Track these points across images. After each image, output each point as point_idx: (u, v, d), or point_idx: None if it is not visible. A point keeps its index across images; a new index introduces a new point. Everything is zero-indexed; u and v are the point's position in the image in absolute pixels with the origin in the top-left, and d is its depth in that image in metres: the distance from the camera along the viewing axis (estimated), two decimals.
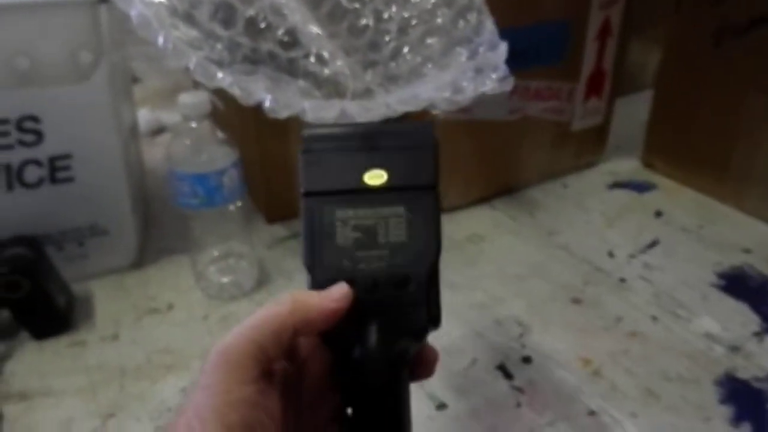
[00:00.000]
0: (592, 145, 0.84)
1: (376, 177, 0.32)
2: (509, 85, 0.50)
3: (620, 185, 0.81)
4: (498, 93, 0.49)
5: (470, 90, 0.47)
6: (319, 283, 0.31)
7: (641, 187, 0.80)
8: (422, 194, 0.32)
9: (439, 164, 0.33)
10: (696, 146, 0.77)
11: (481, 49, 0.51)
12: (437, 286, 0.32)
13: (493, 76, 0.48)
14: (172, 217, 0.70)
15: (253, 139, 0.68)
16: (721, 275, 0.63)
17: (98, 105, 0.56)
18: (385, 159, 0.33)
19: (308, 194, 0.32)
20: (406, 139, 0.33)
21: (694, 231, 0.70)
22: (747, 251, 0.66)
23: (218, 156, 0.55)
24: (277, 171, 0.71)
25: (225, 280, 0.61)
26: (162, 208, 0.73)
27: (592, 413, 0.47)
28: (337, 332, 0.30)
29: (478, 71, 0.49)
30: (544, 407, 0.48)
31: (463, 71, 0.49)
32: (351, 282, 0.30)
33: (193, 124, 0.53)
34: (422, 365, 0.32)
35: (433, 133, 0.33)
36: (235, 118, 0.70)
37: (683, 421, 0.46)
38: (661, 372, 0.51)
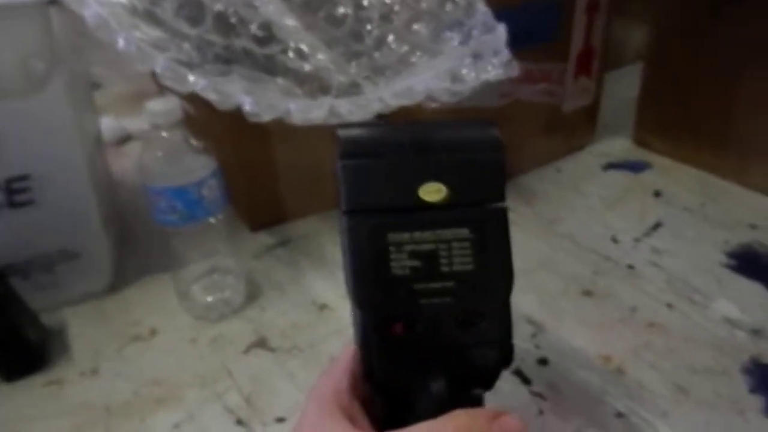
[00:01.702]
0: (583, 126, 0.81)
1: (433, 192, 0.27)
2: (514, 70, 0.46)
3: (614, 166, 0.78)
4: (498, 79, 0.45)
5: (471, 78, 0.43)
6: (371, 322, 0.26)
7: (636, 167, 0.77)
8: (489, 212, 0.28)
9: (506, 173, 0.29)
10: (693, 121, 0.75)
11: (475, 33, 0.47)
12: (510, 320, 0.28)
13: (495, 61, 0.44)
14: (149, 231, 0.65)
15: (230, 145, 0.63)
16: (731, 254, 0.60)
17: (56, 118, 0.50)
18: (443, 168, 0.28)
19: (352, 212, 0.27)
20: (466, 143, 0.28)
21: (696, 210, 0.68)
22: (754, 227, 0.64)
23: (195, 166, 0.50)
24: (259, 176, 0.66)
25: (211, 298, 0.57)
26: (138, 222, 0.68)
27: (620, 415, 0.44)
28: (394, 380, 0.26)
29: (477, 57, 0.45)
30: (568, 413, 0.45)
31: (460, 58, 0.45)
32: (412, 321, 0.26)
33: (165, 134, 0.48)
34: None
35: (497, 135, 0.29)
36: (210, 123, 0.65)
37: (718, 416, 0.44)
38: (686, 365, 0.48)
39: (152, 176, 0.49)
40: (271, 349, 0.52)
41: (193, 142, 0.51)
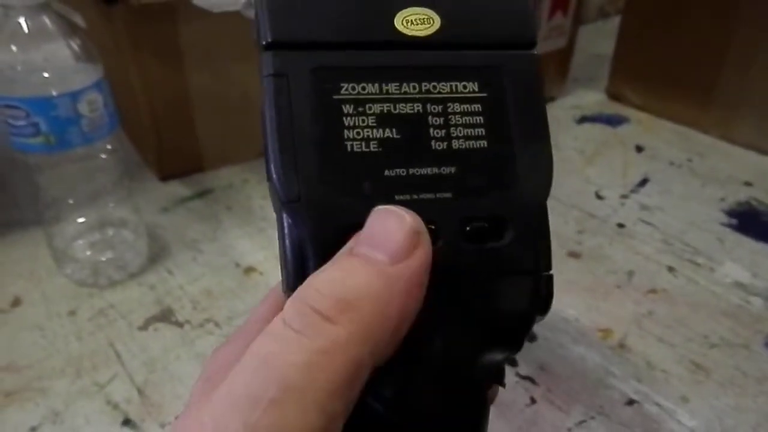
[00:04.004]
0: (554, 74, 0.72)
1: (419, 21, 0.17)
2: None
3: (589, 119, 0.69)
4: None
5: None
6: (310, 235, 0.15)
7: (613, 121, 0.69)
8: (512, 58, 0.17)
9: (533, 8, 0.18)
10: (674, 72, 0.67)
11: None
12: (548, 236, 0.17)
13: None
14: (21, 173, 0.50)
15: (131, 64, 0.49)
16: (730, 213, 0.52)
17: None
18: None
19: (277, 46, 0.16)
20: None
21: (684, 165, 0.60)
22: (748, 184, 0.57)
23: (69, 71, 0.36)
24: (171, 109, 0.52)
25: (102, 258, 0.43)
26: (6, 163, 0.53)
27: (631, 402, 0.35)
28: None
29: None
30: (566, 400, 0.35)
31: None
32: None
33: (21, 20, 0.34)
34: None
35: None
36: (104, 37, 0.50)
37: (747, 400, 0.35)
38: (700, 337, 0.39)
39: (4, 82, 0.35)
40: (178, 324, 0.40)
41: (72, 42, 0.37)
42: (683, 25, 0.64)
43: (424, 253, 0.14)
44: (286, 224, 0.15)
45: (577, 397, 0.35)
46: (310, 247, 0.15)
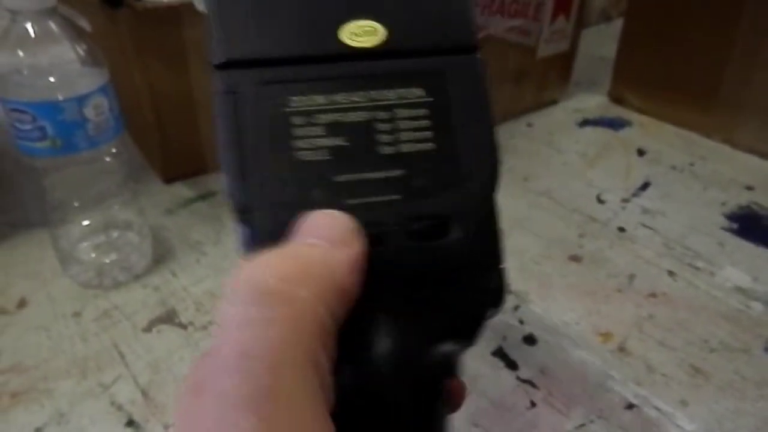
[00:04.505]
0: (556, 78, 0.72)
1: (364, 33, 0.17)
2: None
3: (591, 122, 0.70)
4: None
5: None
6: (264, 240, 0.15)
7: (615, 124, 0.69)
8: (456, 63, 0.18)
9: (475, 11, 0.18)
10: (676, 75, 0.67)
11: None
12: (497, 230, 0.17)
13: None
14: (27, 176, 0.50)
15: (136, 67, 0.49)
16: (731, 217, 0.52)
17: None
18: (378, 0, 0.17)
19: (228, 65, 0.17)
20: None
21: (686, 169, 0.60)
22: (750, 189, 0.57)
23: (75, 75, 0.36)
24: (175, 112, 0.53)
25: (106, 260, 0.44)
26: (11, 164, 0.53)
27: (630, 406, 0.35)
28: None
29: None
30: (567, 405, 0.35)
31: None
32: None
33: (28, 25, 0.35)
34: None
35: None
36: (110, 40, 0.51)
37: (746, 404, 0.35)
38: (700, 341, 0.39)
39: (11, 86, 0.35)
40: (182, 326, 0.40)
41: (78, 47, 0.37)
42: (686, 29, 0.64)
43: (359, 244, 0.15)
44: (241, 234, 0.16)
45: (577, 400, 0.35)
46: (265, 248, 0.15)
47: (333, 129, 0.16)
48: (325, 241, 0.15)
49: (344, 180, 0.16)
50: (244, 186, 0.16)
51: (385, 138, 0.17)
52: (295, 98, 0.16)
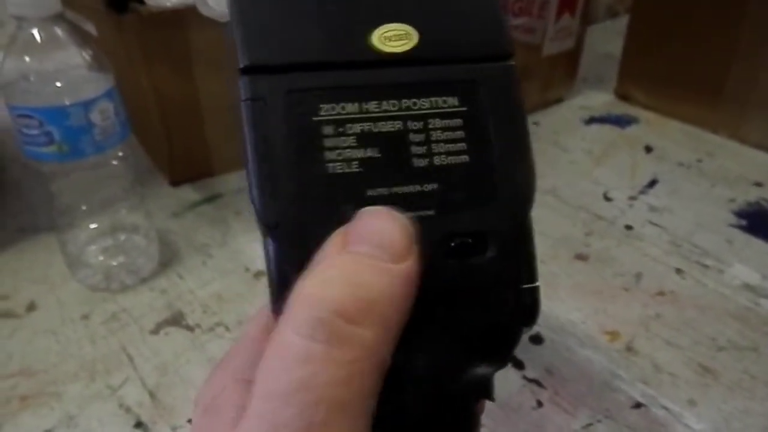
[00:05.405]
0: (562, 75, 0.72)
1: (396, 37, 0.17)
2: None
3: (598, 120, 0.69)
4: None
5: None
6: (293, 258, 0.15)
7: (621, 121, 0.69)
8: (492, 71, 0.17)
9: (508, 19, 0.18)
10: (683, 72, 0.66)
11: None
12: (533, 248, 0.17)
13: None
14: (30, 174, 0.51)
15: (142, 71, 0.50)
16: (739, 214, 0.52)
17: None
18: (411, 4, 0.17)
19: (254, 70, 0.16)
20: None
21: (693, 166, 0.60)
22: (758, 185, 0.56)
23: (81, 80, 0.37)
24: (181, 115, 0.53)
25: (114, 263, 0.44)
26: (15, 163, 0.54)
27: (638, 405, 0.35)
28: None
29: None
30: (574, 405, 0.35)
31: None
32: None
33: (35, 31, 0.35)
34: None
35: None
36: (116, 45, 0.51)
37: (755, 403, 0.35)
38: (708, 340, 0.39)
39: (17, 92, 0.36)
40: (189, 328, 0.40)
41: (84, 53, 0.38)
42: (692, 24, 0.64)
43: (417, 255, 0.15)
44: (269, 249, 0.16)
45: (584, 400, 0.35)
46: (294, 270, 0.15)
47: (364, 139, 0.16)
48: (384, 251, 0.14)
49: (377, 194, 0.16)
50: (273, 200, 0.15)
51: (418, 150, 0.16)
52: (325, 106, 0.16)
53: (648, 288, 0.44)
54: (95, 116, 0.37)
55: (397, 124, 0.16)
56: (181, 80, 0.51)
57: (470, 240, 0.16)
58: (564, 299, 0.43)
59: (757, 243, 0.48)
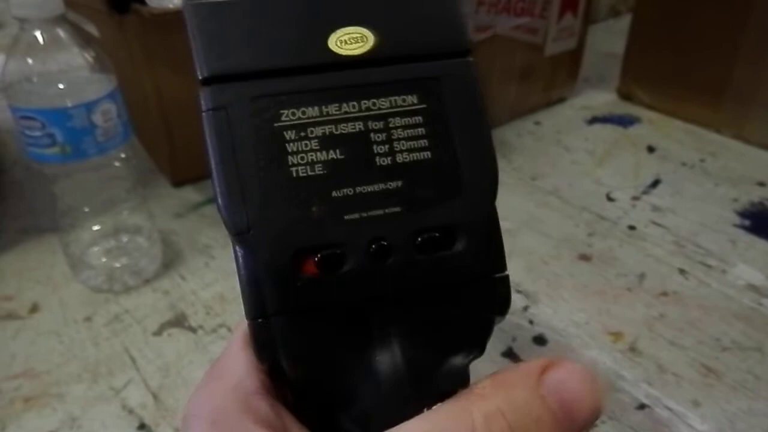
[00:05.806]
0: (564, 75, 0.72)
1: (353, 40, 0.17)
2: None
3: (600, 120, 0.69)
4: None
5: None
6: (262, 262, 0.15)
7: (624, 121, 0.69)
8: (450, 67, 0.17)
9: (467, 15, 0.18)
10: (686, 71, 0.66)
11: None
12: (500, 239, 0.17)
13: None
14: (32, 176, 0.51)
15: (144, 72, 0.50)
16: (743, 214, 0.52)
17: None
18: (367, 4, 0.17)
19: (214, 80, 0.16)
20: None
21: (696, 165, 0.60)
22: (762, 185, 0.56)
23: (83, 82, 0.37)
24: (183, 116, 0.53)
25: (117, 264, 0.44)
26: (17, 165, 0.54)
27: (642, 406, 0.35)
28: (311, 361, 0.16)
29: None
30: None
31: None
32: (334, 253, 0.16)
33: (37, 33, 0.35)
34: None
35: None
36: (117, 46, 0.51)
37: (759, 404, 0.35)
38: (712, 341, 0.39)
39: (20, 93, 0.36)
40: (192, 329, 0.40)
41: (86, 54, 0.38)
42: (695, 24, 0.64)
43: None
44: (239, 255, 0.16)
45: None
46: (265, 275, 0.15)
47: (327, 142, 0.16)
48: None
49: (342, 195, 0.16)
50: (241, 207, 0.15)
51: (380, 149, 0.16)
52: (285, 112, 0.16)
53: (651, 288, 0.44)
54: (97, 117, 0.37)
55: (359, 125, 0.16)
56: (182, 81, 0.51)
57: (438, 234, 0.16)
58: (567, 300, 0.43)
59: (760, 243, 0.48)
